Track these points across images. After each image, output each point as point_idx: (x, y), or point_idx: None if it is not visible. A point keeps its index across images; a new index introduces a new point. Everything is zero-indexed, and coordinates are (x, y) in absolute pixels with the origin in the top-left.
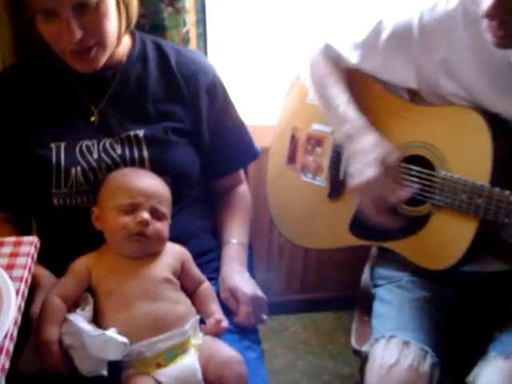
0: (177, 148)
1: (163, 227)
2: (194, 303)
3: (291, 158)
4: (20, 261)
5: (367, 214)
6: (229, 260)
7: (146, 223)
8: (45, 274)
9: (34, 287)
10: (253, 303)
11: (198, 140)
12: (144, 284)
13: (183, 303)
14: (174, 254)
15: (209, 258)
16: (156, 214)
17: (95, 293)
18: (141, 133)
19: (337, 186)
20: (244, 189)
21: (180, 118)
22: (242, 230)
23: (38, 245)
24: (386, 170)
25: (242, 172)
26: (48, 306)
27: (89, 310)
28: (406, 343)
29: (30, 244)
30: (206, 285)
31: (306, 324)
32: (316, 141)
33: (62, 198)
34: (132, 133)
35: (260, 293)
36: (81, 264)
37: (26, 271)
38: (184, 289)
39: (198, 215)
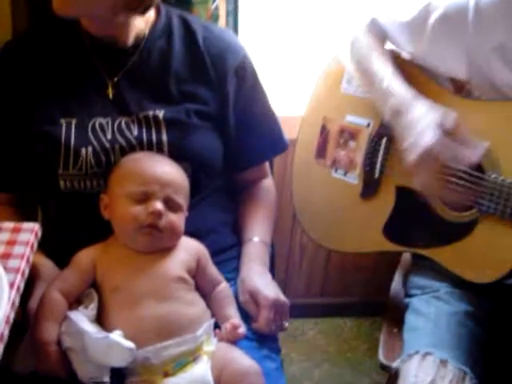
0: (199, 133)
1: (178, 220)
2: (208, 305)
3: (321, 152)
4: (17, 250)
5: (431, 193)
6: (249, 259)
7: (158, 214)
8: (46, 265)
9: (33, 279)
10: (274, 308)
11: (223, 126)
12: (154, 282)
13: (197, 305)
14: (189, 249)
15: (228, 255)
16: (171, 205)
17: (100, 289)
18: (160, 113)
19: (371, 185)
20: (269, 183)
21: (204, 100)
22: (264, 227)
23: (40, 233)
24: (445, 132)
25: (267, 165)
26: (47, 302)
27: (92, 308)
28: (443, 362)
29: (31, 231)
30: (224, 285)
31: (324, 329)
32: (349, 134)
33: (69, 180)
34: (151, 113)
35: (282, 297)
36: (86, 256)
37: (24, 262)
38: (198, 289)
39: (218, 208)
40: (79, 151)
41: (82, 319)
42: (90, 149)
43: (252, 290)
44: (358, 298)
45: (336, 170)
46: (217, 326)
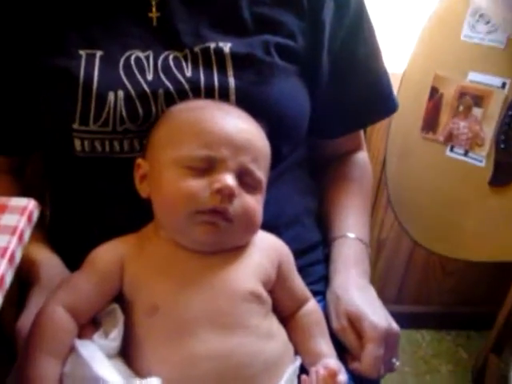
0: (282, 77)
1: (256, 204)
2: (289, 333)
3: (430, 123)
4: None
5: None
6: (345, 265)
7: (229, 194)
8: (49, 263)
9: (28, 282)
10: (385, 342)
11: (313, 71)
12: (214, 300)
13: (276, 337)
14: (266, 250)
15: (313, 257)
16: (247, 181)
17: (129, 307)
18: (227, 46)
19: (506, 168)
20: (364, 157)
21: (290, 31)
22: (361, 220)
23: (37, 214)
24: None
25: (362, 133)
26: (45, 323)
27: (115, 336)
28: None
29: (21, 212)
30: (312, 305)
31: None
32: (474, 98)
33: (88, 140)
34: (212, 45)
35: (395, 325)
36: (108, 254)
37: (5, 261)
38: (276, 310)
39: (299, 189)
40: (105, 96)
41: (98, 355)
42: (120, 93)
43: (353, 313)
44: (441, 307)
45: (452, 148)
46: (301, 367)
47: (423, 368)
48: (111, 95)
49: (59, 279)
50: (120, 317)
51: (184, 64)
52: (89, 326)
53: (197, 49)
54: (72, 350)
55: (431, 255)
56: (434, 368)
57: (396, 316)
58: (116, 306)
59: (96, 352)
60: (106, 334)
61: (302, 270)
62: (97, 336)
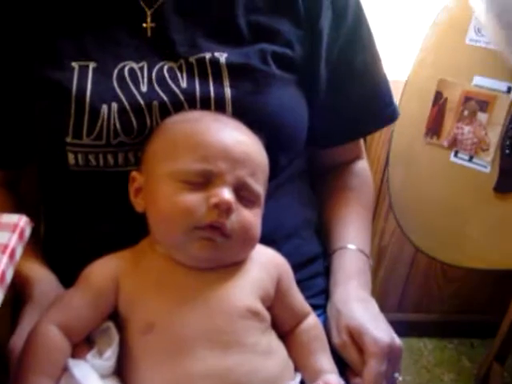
0: (279, 87)
1: (254, 219)
2: (288, 349)
3: (433, 128)
4: None
5: None
6: (346, 278)
7: (227, 209)
8: (43, 279)
9: (20, 300)
10: (387, 357)
11: (311, 80)
12: (212, 318)
13: (276, 354)
14: (265, 265)
15: (312, 270)
16: (245, 195)
17: (124, 325)
18: (222, 57)
19: (511, 175)
20: (364, 166)
21: (287, 40)
22: (362, 231)
23: (29, 230)
24: None
25: (362, 142)
26: (38, 342)
27: (110, 355)
28: None
29: (12, 229)
30: (312, 320)
31: None
32: (478, 102)
33: (82, 153)
34: (208, 55)
35: (397, 339)
36: (102, 271)
37: None
38: (275, 326)
39: (298, 200)
40: (98, 109)
41: (91, 375)
42: (114, 106)
43: (354, 328)
44: (443, 315)
45: (456, 154)
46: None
47: (426, 377)
48: (105, 108)
49: (53, 296)
50: (115, 335)
51: (179, 75)
52: (83, 344)
53: (192, 59)
54: (65, 369)
55: (433, 262)
56: (436, 377)
57: (397, 324)
58: (111, 324)
59: (89, 372)
60: (101, 353)
61: (301, 283)
62: (90, 355)
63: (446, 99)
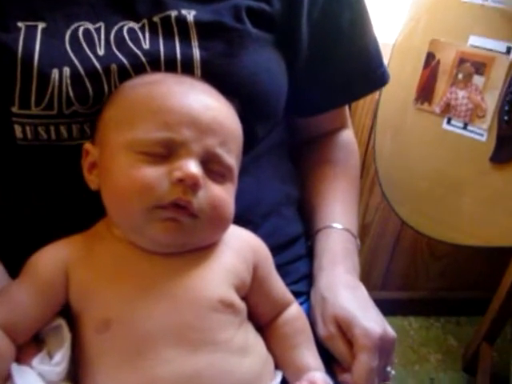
0: (255, 48)
1: (226, 196)
2: (268, 344)
3: (424, 93)
4: None
5: None
6: (332, 261)
7: (193, 184)
8: None
9: None
10: (379, 350)
11: (291, 40)
12: (178, 312)
13: (254, 351)
14: (241, 249)
15: (293, 253)
16: (215, 168)
17: (77, 322)
18: (190, 14)
19: (509, 143)
20: (350, 136)
21: None
22: (349, 207)
23: None
24: None
25: (347, 109)
26: None
27: (60, 360)
28: None
29: None
30: (294, 311)
31: None
32: (474, 64)
33: (30, 125)
34: (173, 13)
35: (390, 330)
36: (50, 260)
37: None
38: (252, 317)
39: (277, 175)
40: (48, 74)
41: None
42: (66, 70)
43: (342, 318)
44: (428, 292)
45: (449, 121)
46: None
47: (412, 358)
48: (55, 72)
49: None
50: (66, 335)
51: (141, 36)
52: (29, 345)
53: (156, 18)
54: (8, 377)
55: (419, 239)
56: (422, 357)
57: (382, 303)
58: (62, 322)
59: (35, 378)
60: (50, 356)
61: (280, 268)
62: (37, 360)
63: (438, 61)
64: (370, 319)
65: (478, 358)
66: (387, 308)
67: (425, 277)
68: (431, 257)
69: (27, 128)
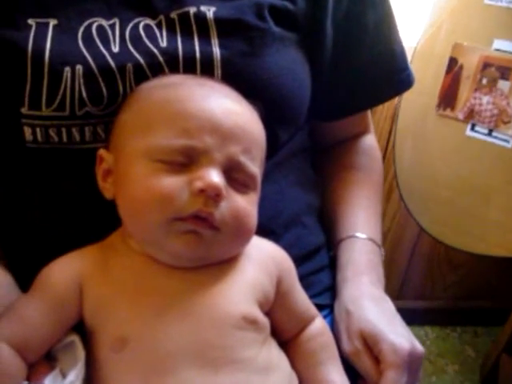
0: (278, 47)
1: (249, 206)
2: (291, 360)
3: (447, 99)
4: None
5: None
6: (356, 273)
7: (215, 195)
8: None
9: None
10: (408, 367)
11: (316, 40)
12: (199, 330)
13: (279, 369)
14: (264, 262)
15: (316, 264)
16: (238, 178)
17: (92, 339)
18: (210, 11)
19: None
20: (372, 142)
21: None
22: (373, 217)
23: None
24: None
25: (369, 113)
26: None
27: (73, 379)
28: None
29: None
30: (318, 325)
31: None
32: (499, 69)
33: (41, 127)
34: (192, 9)
35: (418, 345)
36: (63, 273)
37: None
38: (275, 331)
39: (300, 183)
40: (59, 73)
41: None
42: (79, 68)
43: (368, 333)
44: (445, 302)
45: (473, 127)
46: None
47: (428, 369)
48: (67, 71)
49: (7, 303)
50: (80, 352)
51: (158, 33)
52: (41, 364)
53: (174, 15)
54: None
55: (436, 247)
56: (439, 368)
57: (398, 312)
58: (75, 338)
59: None
60: (63, 374)
61: (303, 279)
62: (50, 379)
63: (461, 66)
64: (397, 334)
65: (498, 369)
66: (403, 317)
67: (442, 286)
68: (448, 265)
69: (37, 130)
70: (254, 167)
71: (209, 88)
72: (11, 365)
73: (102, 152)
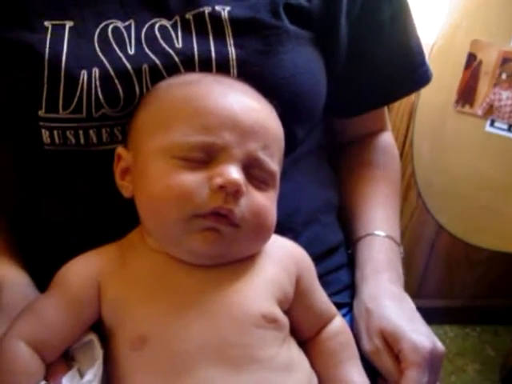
0: (293, 46)
1: (269, 203)
2: (310, 359)
3: (466, 95)
4: None
5: None
6: (375, 271)
7: (235, 192)
8: (12, 281)
9: None
10: (429, 365)
11: (331, 37)
12: (218, 328)
13: (299, 368)
14: (283, 260)
15: (334, 262)
16: (257, 174)
17: (110, 338)
18: (224, 10)
19: None
20: (390, 140)
21: None
22: (391, 213)
23: None
24: None
25: (386, 110)
26: (3, 362)
27: (91, 378)
28: None
29: None
30: (338, 324)
31: None
32: None
33: (58, 130)
34: (207, 9)
35: (439, 344)
36: (82, 272)
37: None
38: (295, 330)
39: (318, 180)
40: (76, 76)
41: None
42: (95, 71)
43: (389, 332)
44: (465, 300)
45: (493, 123)
46: None
47: (448, 368)
48: (84, 74)
49: (25, 303)
50: (98, 352)
51: (173, 34)
52: (59, 363)
53: (189, 15)
54: None
55: (455, 245)
56: (459, 368)
57: (417, 311)
58: (93, 338)
59: None
60: (81, 374)
61: (322, 278)
62: (68, 379)
63: (480, 62)
64: (418, 332)
65: None
66: (422, 316)
67: (461, 284)
68: (468, 263)
69: (55, 132)
70: (273, 164)
71: (227, 85)
72: (29, 364)
73: (120, 150)
